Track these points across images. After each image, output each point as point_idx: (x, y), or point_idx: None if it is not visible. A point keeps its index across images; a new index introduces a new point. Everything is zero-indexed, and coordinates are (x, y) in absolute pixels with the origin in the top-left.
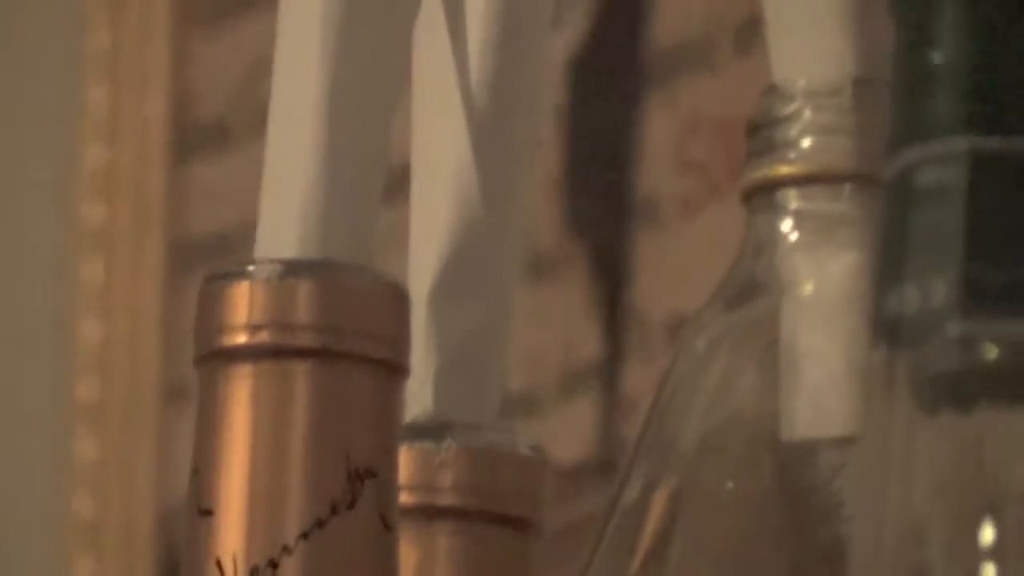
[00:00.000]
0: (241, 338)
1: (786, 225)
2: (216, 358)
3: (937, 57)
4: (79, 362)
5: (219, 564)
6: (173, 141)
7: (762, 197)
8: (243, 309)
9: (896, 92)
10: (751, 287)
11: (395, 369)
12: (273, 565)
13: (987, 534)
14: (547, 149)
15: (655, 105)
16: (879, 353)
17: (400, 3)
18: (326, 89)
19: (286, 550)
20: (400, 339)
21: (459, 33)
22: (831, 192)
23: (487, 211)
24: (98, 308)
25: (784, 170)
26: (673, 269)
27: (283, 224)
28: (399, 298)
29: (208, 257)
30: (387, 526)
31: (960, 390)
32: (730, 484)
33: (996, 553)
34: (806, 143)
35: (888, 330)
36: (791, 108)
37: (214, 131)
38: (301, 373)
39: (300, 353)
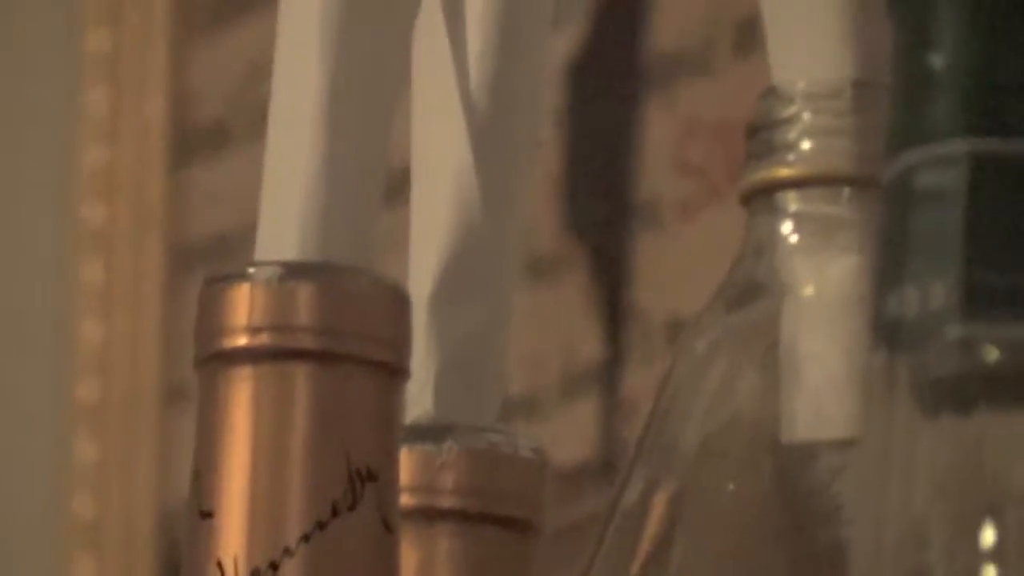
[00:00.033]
0: (241, 340)
1: (786, 227)
2: (216, 360)
3: (936, 59)
4: (79, 363)
5: (220, 566)
6: (173, 143)
7: (761, 199)
8: (243, 311)
9: (895, 94)
10: (751, 289)
11: (395, 371)
12: (274, 567)
13: (987, 536)
14: (547, 151)
15: (654, 108)
16: (879, 356)
17: (399, 5)
18: (326, 91)
19: (287, 552)
20: (400, 341)
21: (458, 35)
22: (830, 194)
23: (487, 213)
24: (98, 309)
25: (783, 172)
26: (673, 271)
27: (283, 226)
28: (399, 300)
29: (208, 259)
30: (388, 528)
31: (960, 393)
32: (730, 486)
33: (996, 555)
34: (805, 145)
35: (888, 333)
36: (790, 110)
37: (214, 133)
38: (301, 375)
39: (300, 355)
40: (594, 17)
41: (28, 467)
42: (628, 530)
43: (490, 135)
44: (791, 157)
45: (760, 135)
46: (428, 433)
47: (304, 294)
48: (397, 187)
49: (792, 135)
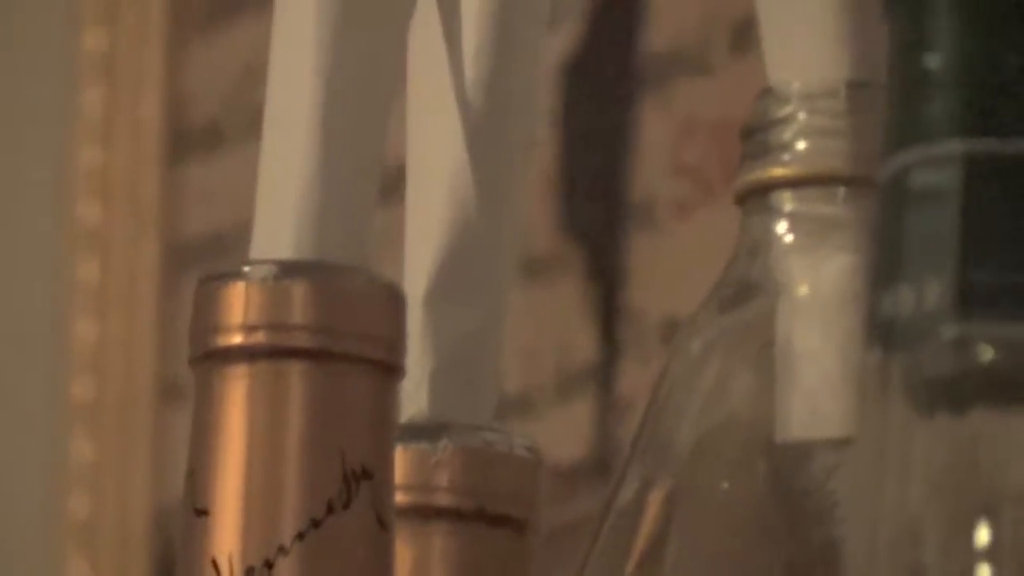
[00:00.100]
0: (236, 339)
1: (781, 227)
2: (211, 358)
3: (932, 59)
4: (75, 362)
5: (215, 564)
6: (168, 142)
7: (757, 199)
8: (238, 310)
9: (891, 94)
10: (746, 289)
11: (391, 370)
12: (269, 565)
13: (982, 535)
14: (542, 151)
15: (650, 108)
16: (874, 355)
17: (395, 5)
18: (321, 90)
19: (282, 550)
20: (396, 340)
21: (454, 35)
22: (826, 194)
23: (482, 212)
24: (94, 308)
25: (779, 172)
26: (668, 271)
27: (278, 225)
28: (395, 299)
29: (203, 258)
30: (383, 526)
31: (955, 392)
32: (725, 485)
33: (991, 554)
34: (801, 145)
35: (883, 332)
36: (786, 111)
37: (209, 132)
38: (296, 374)
39: (295, 354)
40: (590, 17)
41: (23, 466)
42: (623, 529)
43: (485, 134)
44: (786, 157)
45: (755, 135)
46: (423, 432)
47: (299, 293)
48: (392, 186)
49: (787, 135)
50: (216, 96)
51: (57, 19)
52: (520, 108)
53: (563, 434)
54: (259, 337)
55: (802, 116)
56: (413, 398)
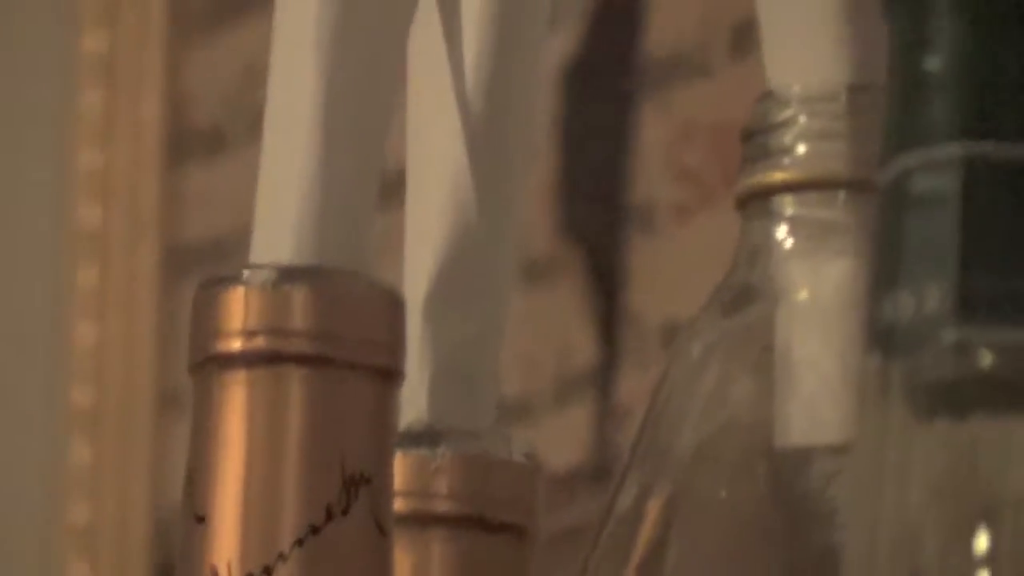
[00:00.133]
0: (236, 344)
1: (781, 232)
2: (211, 364)
3: (932, 63)
4: (74, 367)
5: (214, 571)
6: (168, 145)
7: (757, 203)
8: (238, 315)
9: (891, 98)
10: (746, 294)
11: (390, 375)
12: (268, 572)
13: (981, 541)
14: (542, 154)
15: (650, 111)
16: (874, 360)
17: (395, 9)
18: (322, 94)
19: (281, 557)
20: (395, 345)
21: (454, 38)
22: (826, 198)
23: (482, 217)
24: (93, 312)
25: (779, 176)
26: (668, 275)
27: (278, 229)
28: (394, 304)
29: (203, 261)
30: (382, 532)
31: (955, 397)
32: (724, 491)
33: (990, 560)
34: (801, 149)
35: (883, 337)
36: (786, 114)
37: (209, 135)
38: (296, 379)
39: (295, 359)
40: (590, 20)
41: (22, 471)
42: (622, 535)
43: (485, 138)
44: (786, 161)
45: (756, 139)
46: (422, 438)
47: (299, 298)
48: (392, 189)
49: (788, 139)
50: (216, 98)
51: (57, 20)
52: (520, 112)
53: (562, 439)
54: (259, 342)
55: (802, 119)
56: (412, 403)
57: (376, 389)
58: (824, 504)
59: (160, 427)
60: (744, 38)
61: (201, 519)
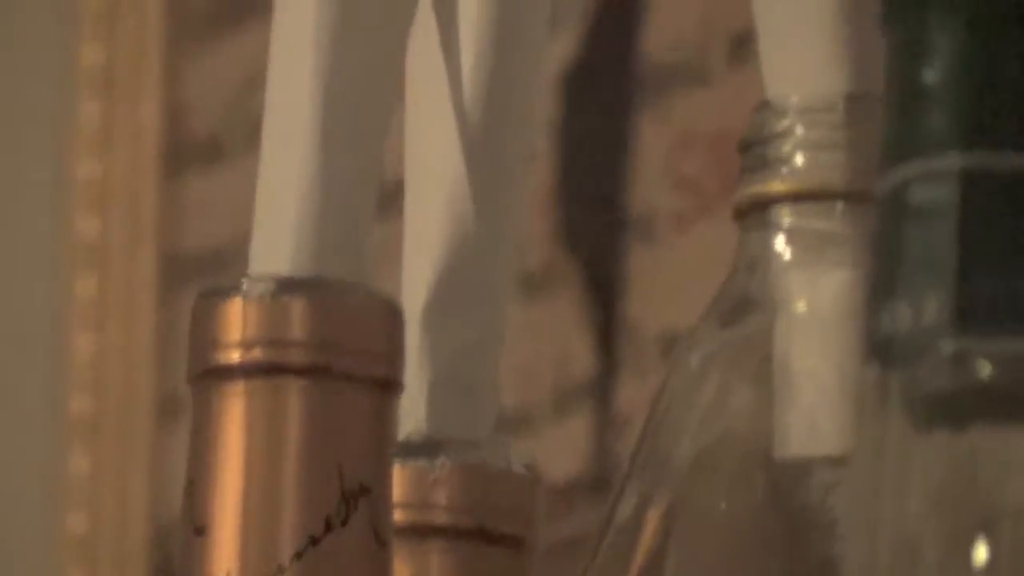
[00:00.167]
0: (234, 355)
1: (779, 242)
2: (210, 375)
3: (930, 73)
4: (73, 376)
5: None
6: (167, 155)
7: (755, 214)
8: (236, 326)
9: (889, 108)
10: (744, 304)
11: (389, 386)
12: None
13: (980, 552)
14: (540, 164)
15: (648, 120)
16: (872, 371)
17: (393, 18)
18: (320, 103)
19: (280, 569)
20: (394, 356)
21: (452, 48)
22: (824, 209)
23: (480, 226)
24: (92, 322)
25: (777, 187)
26: (667, 285)
27: (277, 239)
28: (393, 315)
29: (201, 271)
30: (381, 544)
31: (953, 408)
32: (723, 502)
33: (989, 571)
34: (799, 160)
35: (881, 348)
36: (784, 124)
37: (207, 145)
38: (295, 390)
39: (294, 370)
40: (588, 28)
41: (21, 481)
42: (621, 545)
43: (484, 147)
44: (784, 171)
45: (754, 149)
46: (421, 449)
47: (297, 309)
48: (390, 199)
49: (786, 149)
50: (215, 108)
51: (55, 31)
52: (518, 121)
53: (561, 449)
54: (257, 354)
55: (800, 129)
56: (411, 414)
57: (375, 400)
58: (823, 515)
59: (159, 436)
60: (743, 47)
61: (200, 530)
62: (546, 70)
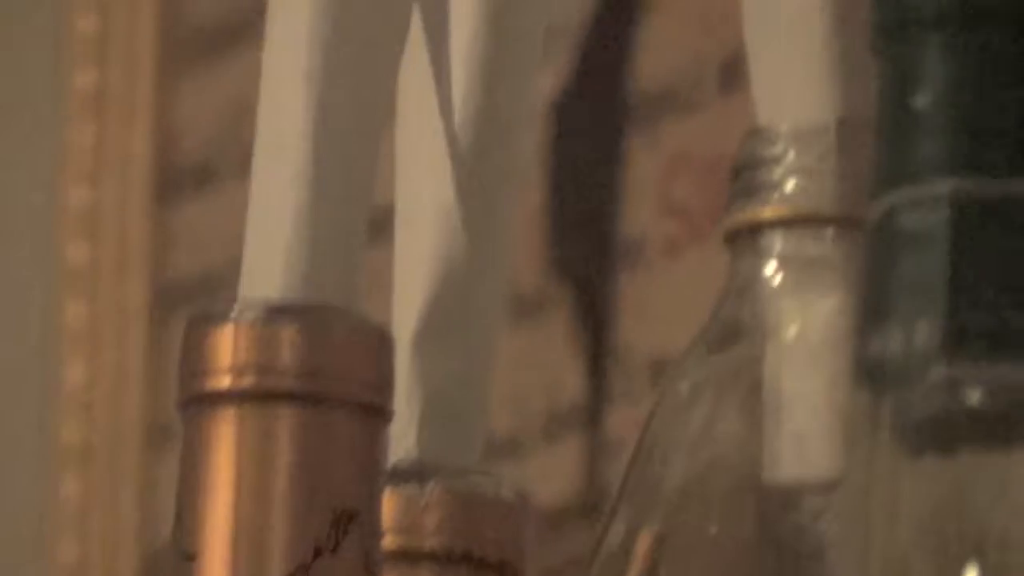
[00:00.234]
0: (225, 381)
1: (769, 268)
2: (200, 401)
3: (920, 100)
4: (63, 404)
5: None
6: (157, 181)
7: (745, 239)
8: (227, 352)
9: (879, 134)
10: (735, 330)
11: (379, 413)
12: None
13: None
14: (530, 190)
15: (639, 145)
16: (863, 396)
17: (385, 44)
18: (311, 130)
19: None
20: (384, 383)
21: (443, 73)
22: (815, 235)
23: (471, 253)
24: (82, 349)
25: (767, 213)
26: (657, 310)
27: (268, 265)
28: (383, 342)
29: (192, 297)
30: (371, 570)
31: (944, 433)
32: (714, 527)
33: None
34: (790, 185)
35: (872, 373)
36: (775, 150)
37: (199, 171)
38: (285, 417)
39: (284, 397)
40: (579, 54)
41: (11, 508)
42: (612, 571)
43: (474, 174)
44: (775, 197)
45: (744, 175)
46: (411, 474)
47: (288, 335)
48: (381, 226)
49: (776, 175)
50: (206, 134)
51: (46, 55)
52: (509, 147)
53: (551, 475)
54: (247, 380)
55: (791, 155)
56: (401, 439)
57: (365, 426)
58: (813, 540)
59: (149, 462)
60: (734, 73)
61: (191, 557)
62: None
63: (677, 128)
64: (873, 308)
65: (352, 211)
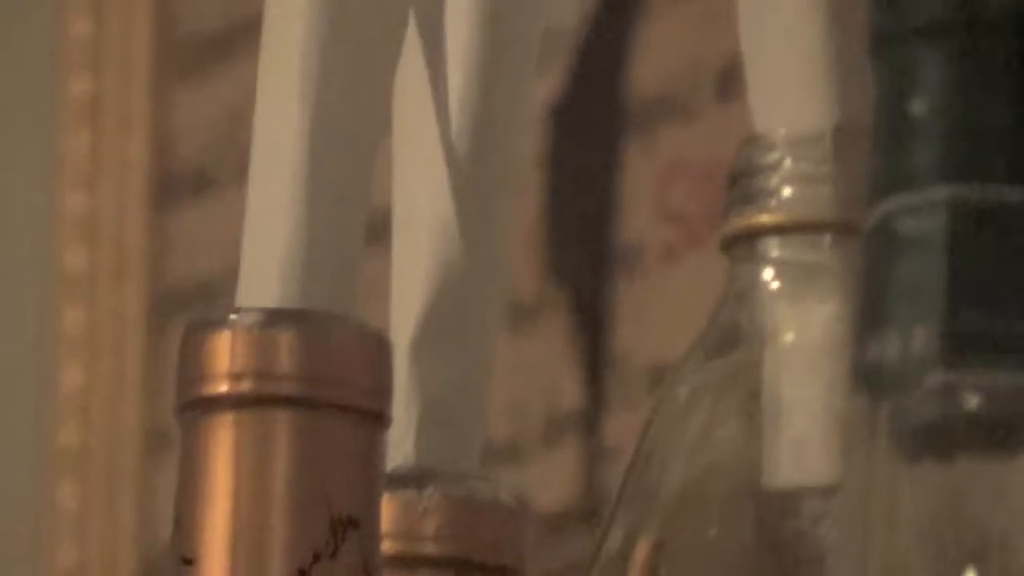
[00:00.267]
0: (222, 387)
1: (767, 274)
2: (197, 407)
3: (917, 106)
4: (61, 409)
5: None
6: (154, 188)
7: (743, 246)
8: (224, 358)
9: (876, 140)
10: (732, 336)
11: (377, 418)
12: None
13: None
14: (528, 196)
15: (636, 152)
16: (860, 401)
17: (381, 51)
18: (307, 137)
19: None
20: (383, 389)
21: (440, 80)
22: (812, 241)
23: (468, 259)
24: (79, 355)
25: (765, 219)
26: (655, 317)
27: (265, 272)
28: (382, 348)
29: (189, 304)
30: (369, 575)
31: (941, 439)
32: (712, 533)
33: None
34: (787, 192)
35: (870, 379)
36: (772, 157)
37: (195, 177)
38: (283, 422)
39: (282, 402)
40: (575, 61)
41: (9, 514)
42: None
43: (471, 180)
44: (772, 204)
45: (741, 181)
46: (409, 480)
47: (285, 341)
48: (378, 232)
49: (773, 182)
50: (202, 141)
51: (42, 63)
52: (506, 154)
53: (549, 481)
54: (245, 385)
55: (788, 162)
56: (399, 444)
57: (363, 432)
58: (812, 546)
59: (147, 468)
60: (730, 80)
61: (189, 562)
62: (534, 102)
63: (674, 135)
64: (870, 314)
65: (349, 216)
